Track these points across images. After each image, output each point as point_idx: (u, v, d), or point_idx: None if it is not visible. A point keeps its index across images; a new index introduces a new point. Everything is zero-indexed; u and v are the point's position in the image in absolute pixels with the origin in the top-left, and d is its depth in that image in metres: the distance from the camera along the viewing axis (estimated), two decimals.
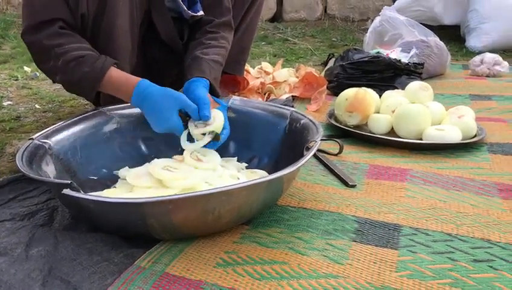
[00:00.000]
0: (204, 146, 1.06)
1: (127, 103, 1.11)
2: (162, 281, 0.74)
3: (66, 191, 0.75)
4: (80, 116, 1.12)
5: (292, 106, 1.60)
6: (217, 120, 1.07)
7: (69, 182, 0.76)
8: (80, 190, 0.77)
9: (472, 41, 2.77)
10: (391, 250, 0.83)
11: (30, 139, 0.99)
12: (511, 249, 0.84)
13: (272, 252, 0.82)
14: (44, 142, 1.00)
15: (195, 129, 1.06)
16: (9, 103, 1.72)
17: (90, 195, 0.79)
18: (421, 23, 2.80)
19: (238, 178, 1.01)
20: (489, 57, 2.22)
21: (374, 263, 0.80)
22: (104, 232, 0.85)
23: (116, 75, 1.11)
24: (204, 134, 1.05)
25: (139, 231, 0.82)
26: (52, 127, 1.06)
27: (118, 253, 0.80)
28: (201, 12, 1.31)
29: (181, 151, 1.17)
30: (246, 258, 0.80)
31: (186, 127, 1.07)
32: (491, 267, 0.79)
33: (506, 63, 2.23)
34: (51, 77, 1.23)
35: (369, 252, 0.82)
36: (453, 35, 3.00)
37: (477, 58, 2.25)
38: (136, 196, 0.91)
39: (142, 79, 1.09)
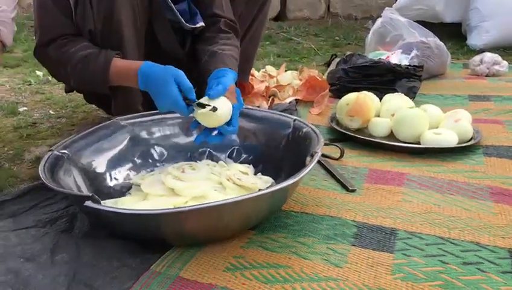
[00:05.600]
0: (211, 139, 1.10)
1: (135, 86, 1.14)
2: (176, 285, 0.81)
3: (88, 203, 0.82)
4: (96, 127, 1.19)
5: (295, 110, 1.66)
6: (225, 108, 1.06)
7: (90, 194, 0.83)
8: (100, 201, 0.84)
9: (473, 40, 2.81)
10: (387, 254, 0.90)
11: (50, 150, 1.06)
12: (499, 252, 0.90)
13: (276, 256, 0.89)
14: (64, 153, 1.07)
15: (199, 114, 1.06)
16: (24, 108, 1.79)
17: (110, 207, 0.86)
18: (422, 21, 2.87)
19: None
20: (488, 56, 2.27)
21: (371, 266, 0.86)
22: (122, 238, 0.92)
23: (121, 63, 1.20)
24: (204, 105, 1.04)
25: (154, 238, 0.89)
26: (70, 137, 1.13)
27: (135, 258, 0.88)
28: (200, 24, 1.36)
29: (190, 158, 1.25)
30: (253, 262, 0.87)
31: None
32: (479, 269, 0.85)
33: (505, 63, 2.28)
34: (66, 83, 1.33)
35: (367, 256, 0.89)
36: (454, 32, 3.04)
37: (476, 58, 2.30)
38: (150, 204, 0.98)
39: (146, 61, 1.14)
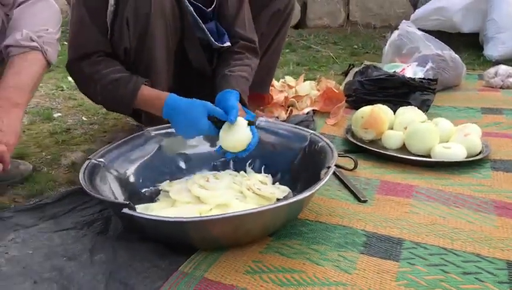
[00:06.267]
0: (234, 155, 1.22)
1: (160, 116, 1.26)
2: (202, 285, 0.91)
3: (125, 210, 0.93)
4: (128, 137, 1.30)
5: (312, 120, 1.75)
6: (243, 138, 1.20)
7: (127, 202, 0.94)
8: (135, 209, 0.94)
9: (489, 50, 2.86)
10: (393, 262, 0.98)
11: (88, 158, 1.17)
12: (497, 263, 0.98)
13: (291, 262, 0.98)
14: (100, 161, 1.18)
15: (224, 139, 1.19)
16: (59, 114, 1.92)
17: (144, 214, 0.96)
18: (440, 31, 2.93)
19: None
20: (503, 69, 2.32)
21: (378, 273, 0.95)
22: (152, 241, 1.02)
23: (147, 93, 1.29)
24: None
25: (182, 242, 0.99)
26: (105, 147, 1.24)
27: (165, 260, 0.98)
28: (228, 44, 1.46)
29: (214, 167, 1.34)
30: (270, 266, 0.96)
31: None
32: (477, 279, 0.93)
33: None
34: (93, 100, 1.42)
35: (374, 264, 0.98)
36: (471, 42, 3.09)
37: (491, 70, 2.35)
38: (178, 211, 1.08)
39: (170, 94, 1.25)
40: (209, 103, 1.21)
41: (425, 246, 1.04)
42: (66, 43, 1.39)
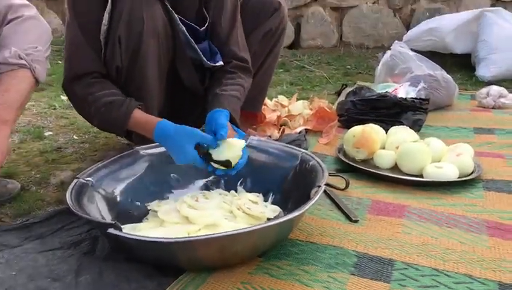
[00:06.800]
0: (221, 173, 1.21)
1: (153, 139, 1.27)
2: None
3: (111, 230, 0.91)
4: (117, 156, 1.28)
5: (305, 139, 1.75)
6: (235, 149, 1.20)
7: (113, 222, 0.92)
8: (121, 228, 0.93)
9: (481, 71, 2.88)
10: (384, 283, 0.97)
11: (76, 177, 1.16)
12: (489, 285, 0.96)
13: (281, 283, 0.96)
14: (88, 180, 1.17)
15: (214, 156, 1.19)
16: (50, 133, 1.91)
17: (130, 234, 0.95)
18: (432, 51, 2.96)
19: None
20: (495, 89, 2.34)
21: None
22: (139, 262, 1.00)
23: (139, 117, 1.29)
24: (219, 162, 1.19)
25: (169, 263, 0.98)
26: (94, 166, 1.22)
27: (152, 281, 0.96)
28: (220, 63, 1.46)
29: (204, 186, 1.33)
30: (259, 288, 0.95)
31: (205, 160, 1.20)
32: None
33: (511, 96, 2.34)
34: (89, 121, 1.42)
35: (364, 285, 0.96)
36: (464, 63, 3.11)
37: (483, 90, 2.37)
38: (166, 231, 1.07)
39: (161, 120, 1.25)
40: (198, 130, 1.20)
41: (416, 267, 1.02)
42: (60, 62, 1.39)
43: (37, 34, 1.19)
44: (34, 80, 1.18)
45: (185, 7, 1.42)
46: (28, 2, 1.22)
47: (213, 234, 0.91)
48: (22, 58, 1.13)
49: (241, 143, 1.21)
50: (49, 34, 1.24)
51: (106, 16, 1.28)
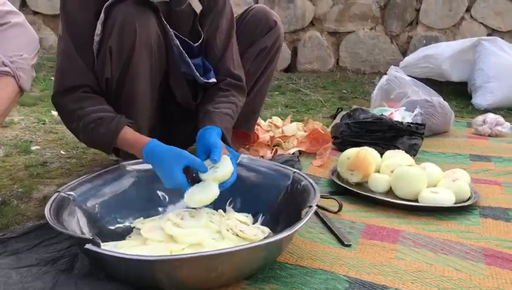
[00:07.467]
0: None
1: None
2: None
3: (88, 246, 0.86)
4: (102, 171, 1.24)
5: (298, 161, 1.70)
6: (225, 168, 1.17)
7: (91, 237, 0.87)
8: (100, 244, 0.87)
9: (478, 99, 2.87)
10: None
11: (57, 191, 1.11)
12: None
13: None
14: (70, 194, 1.12)
15: (204, 175, 1.16)
16: (37, 147, 1.86)
17: (108, 250, 0.89)
18: (429, 79, 2.95)
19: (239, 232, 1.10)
20: (491, 117, 2.32)
21: None
22: (120, 281, 0.95)
23: (128, 135, 1.24)
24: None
25: (149, 282, 0.92)
26: (76, 180, 1.18)
27: None
28: (213, 80, 1.43)
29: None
30: None
31: (193, 182, 1.17)
32: None
33: (508, 124, 2.32)
34: (76, 136, 1.38)
35: None
36: (460, 91, 3.11)
37: (480, 118, 2.35)
38: (149, 249, 1.01)
39: (151, 139, 1.20)
40: (187, 153, 1.16)
41: None
42: (53, 78, 1.34)
43: (23, 42, 1.16)
44: (18, 88, 1.14)
45: (179, 22, 1.40)
46: (15, 9, 1.19)
47: (196, 253, 0.85)
48: (6, 66, 1.10)
49: (230, 164, 1.18)
50: (36, 42, 1.21)
51: (99, 26, 1.26)
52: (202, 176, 1.17)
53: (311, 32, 3.84)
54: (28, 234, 1.16)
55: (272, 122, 2.09)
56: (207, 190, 1.14)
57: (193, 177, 1.18)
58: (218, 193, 1.15)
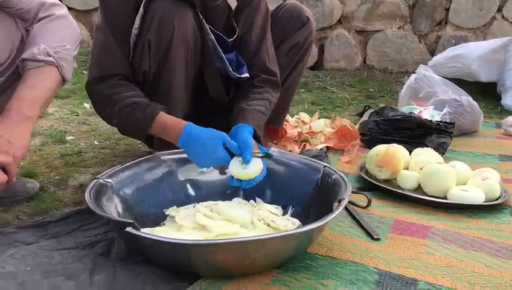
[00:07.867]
0: (244, 184, 1.20)
1: (174, 144, 1.25)
2: None
3: (129, 229, 0.89)
4: (138, 160, 1.27)
5: (326, 156, 1.72)
6: (255, 166, 1.20)
7: (132, 221, 0.90)
8: (139, 228, 0.91)
9: (507, 100, 2.83)
10: None
11: (96, 178, 1.15)
12: None
13: None
14: (108, 181, 1.16)
15: (235, 168, 1.19)
16: (71, 137, 1.91)
17: (147, 234, 0.93)
18: (457, 79, 2.92)
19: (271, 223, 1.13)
20: None
21: None
22: (157, 265, 0.98)
23: (165, 119, 1.28)
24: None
25: (185, 267, 0.95)
26: (114, 168, 1.21)
27: (167, 285, 0.93)
28: (246, 75, 1.46)
29: (223, 195, 1.30)
30: None
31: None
32: None
33: None
34: (108, 121, 1.41)
35: None
36: (489, 91, 3.07)
37: (509, 119, 2.32)
38: (184, 236, 1.04)
39: (188, 122, 1.24)
40: (225, 134, 1.20)
41: (441, 288, 0.98)
42: (85, 72, 1.38)
43: (66, 33, 1.20)
44: (60, 78, 1.18)
45: (214, 17, 1.43)
46: (59, 2, 1.23)
47: (231, 238, 0.88)
48: (49, 56, 1.14)
49: (261, 165, 1.21)
50: (78, 34, 1.25)
51: (138, 20, 1.29)
52: (233, 171, 1.19)
53: (339, 30, 3.84)
54: (67, 219, 1.21)
55: (299, 118, 2.10)
56: (252, 163, 1.18)
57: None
58: (264, 166, 1.19)
